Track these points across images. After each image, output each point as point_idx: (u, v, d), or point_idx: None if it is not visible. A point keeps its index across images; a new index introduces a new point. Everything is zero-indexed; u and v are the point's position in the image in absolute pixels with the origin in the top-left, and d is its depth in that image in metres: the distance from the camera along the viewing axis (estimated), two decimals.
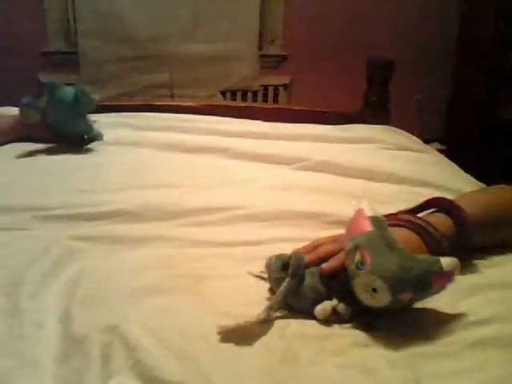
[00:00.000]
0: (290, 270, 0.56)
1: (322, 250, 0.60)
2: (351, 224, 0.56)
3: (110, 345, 0.49)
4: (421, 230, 0.60)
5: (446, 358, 0.49)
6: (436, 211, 0.67)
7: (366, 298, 0.52)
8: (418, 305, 0.56)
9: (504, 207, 0.70)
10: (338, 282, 0.56)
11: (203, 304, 0.57)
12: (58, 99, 1.12)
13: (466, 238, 0.63)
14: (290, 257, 0.58)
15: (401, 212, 0.67)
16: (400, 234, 0.57)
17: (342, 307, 0.54)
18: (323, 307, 0.54)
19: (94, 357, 0.47)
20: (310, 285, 0.56)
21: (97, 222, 0.78)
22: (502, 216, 0.69)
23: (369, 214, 0.56)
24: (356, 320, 0.55)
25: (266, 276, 0.61)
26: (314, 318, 0.55)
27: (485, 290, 0.60)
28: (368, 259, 0.51)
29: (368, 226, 0.54)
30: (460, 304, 0.57)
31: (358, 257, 0.52)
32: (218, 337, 0.50)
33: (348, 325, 0.54)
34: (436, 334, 0.52)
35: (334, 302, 0.55)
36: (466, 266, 0.65)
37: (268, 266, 0.59)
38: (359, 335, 0.52)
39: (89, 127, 1.20)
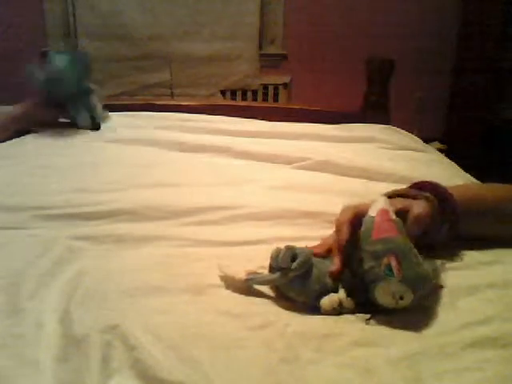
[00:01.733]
0: (296, 262, 0.56)
1: (330, 241, 0.61)
2: (377, 224, 0.56)
3: (109, 345, 0.49)
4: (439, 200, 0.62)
5: (446, 358, 0.49)
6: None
7: (388, 303, 0.53)
8: (418, 304, 0.56)
9: (496, 198, 0.69)
10: (347, 274, 0.57)
11: (203, 304, 0.57)
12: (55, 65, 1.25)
13: (453, 217, 0.64)
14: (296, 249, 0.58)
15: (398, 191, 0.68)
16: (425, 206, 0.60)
17: (349, 300, 0.55)
18: (330, 299, 0.55)
19: (94, 357, 0.47)
20: (316, 276, 0.56)
21: (97, 221, 0.78)
22: (494, 207, 0.68)
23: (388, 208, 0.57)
24: (356, 315, 0.55)
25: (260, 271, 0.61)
26: (314, 312, 0.55)
27: (484, 289, 0.60)
28: (397, 266, 0.52)
29: (394, 230, 0.55)
30: (459, 303, 0.57)
31: (385, 261, 0.53)
32: (219, 337, 0.50)
33: (348, 324, 0.54)
34: (436, 333, 0.52)
35: (341, 294, 0.55)
36: (465, 265, 0.65)
37: (275, 256, 0.58)
38: (359, 335, 0.52)
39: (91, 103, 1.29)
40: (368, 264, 0.54)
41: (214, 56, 2.66)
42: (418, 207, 0.60)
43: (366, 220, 0.57)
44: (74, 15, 2.54)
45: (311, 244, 0.62)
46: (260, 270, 0.60)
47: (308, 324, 0.54)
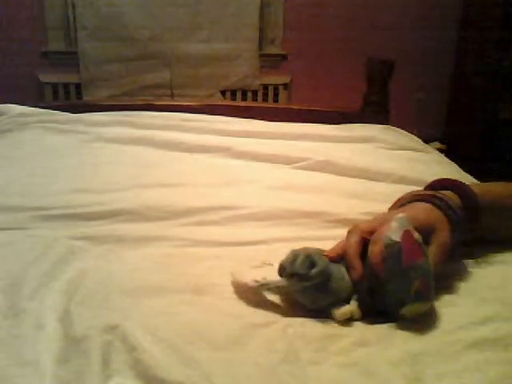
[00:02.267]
0: (315, 271, 0.54)
1: (341, 245, 0.59)
2: (405, 250, 0.53)
3: (110, 345, 0.49)
4: (445, 206, 0.61)
5: (446, 358, 0.49)
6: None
7: (413, 318, 0.54)
8: None
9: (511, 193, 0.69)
10: (363, 286, 0.56)
11: (203, 304, 0.57)
12: None
13: (474, 213, 0.63)
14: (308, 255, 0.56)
15: (417, 191, 0.68)
16: (429, 213, 0.60)
17: (358, 311, 0.55)
18: (343, 312, 0.54)
19: (94, 357, 0.47)
20: (334, 290, 0.55)
21: (97, 221, 0.78)
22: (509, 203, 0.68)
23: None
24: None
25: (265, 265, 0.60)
26: (315, 313, 0.55)
27: (484, 289, 0.60)
28: (426, 290, 0.53)
29: (419, 253, 0.54)
30: (459, 303, 0.57)
31: (417, 284, 0.52)
32: (219, 337, 0.50)
33: (349, 324, 0.54)
34: (436, 333, 0.52)
35: (353, 306, 0.55)
36: (465, 265, 0.65)
37: (291, 260, 0.55)
38: (360, 335, 0.52)
39: None
40: (396, 287, 0.54)
41: (214, 56, 2.66)
42: (442, 235, 0.59)
43: (388, 244, 0.54)
44: (74, 15, 2.54)
45: (311, 244, 0.62)
46: (264, 266, 0.60)
47: (309, 324, 0.54)
